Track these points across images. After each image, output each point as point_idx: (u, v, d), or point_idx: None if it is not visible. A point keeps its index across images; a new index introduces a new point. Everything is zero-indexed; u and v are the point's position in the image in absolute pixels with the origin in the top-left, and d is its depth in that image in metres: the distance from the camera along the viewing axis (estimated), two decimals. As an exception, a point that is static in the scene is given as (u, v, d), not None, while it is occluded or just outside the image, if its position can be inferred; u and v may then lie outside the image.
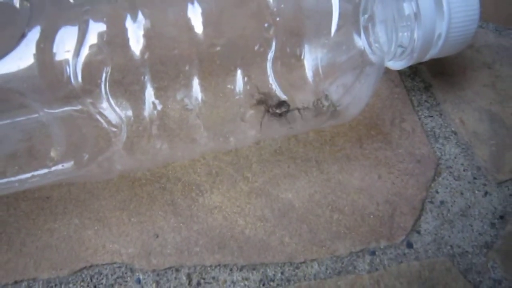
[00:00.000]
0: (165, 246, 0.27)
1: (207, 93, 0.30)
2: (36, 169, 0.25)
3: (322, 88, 0.31)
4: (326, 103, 0.30)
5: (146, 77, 0.29)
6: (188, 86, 0.30)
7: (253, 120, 0.29)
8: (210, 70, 0.30)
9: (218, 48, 0.28)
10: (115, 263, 0.26)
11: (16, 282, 0.26)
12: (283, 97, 0.31)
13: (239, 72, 0.30)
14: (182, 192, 0.29)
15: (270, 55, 0.31)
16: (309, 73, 0.32)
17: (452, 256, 0.27)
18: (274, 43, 0.31)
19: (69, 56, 0.22)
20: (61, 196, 0.28)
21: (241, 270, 0.26)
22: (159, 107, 0.29)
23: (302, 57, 0.31)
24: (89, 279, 0.26)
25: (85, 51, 0.22)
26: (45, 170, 0.25)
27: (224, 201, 0.28)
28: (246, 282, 0.26)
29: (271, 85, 0.31)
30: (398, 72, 0.35)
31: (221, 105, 0.31)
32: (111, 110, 0.28)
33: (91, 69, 0.23)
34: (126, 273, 0.26)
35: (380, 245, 0.27)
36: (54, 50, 0.21)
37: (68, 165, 0.25)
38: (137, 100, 0.29)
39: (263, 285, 0.26)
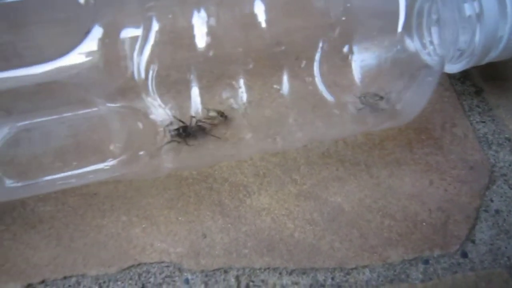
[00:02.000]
0: (213, 246, 0.26)
1: (252, 93, 0.30)
2: (94, 164, 0.24)
3: (370, 89, 0.30)
4: (383, 105, 0.29)
5: (192, 76, 0.29)
6: (234, 85, 0.30)
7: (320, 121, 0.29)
8: (256, 70, 0.30)
9: (283, 48, 0.28)
10: (163, 262, 0.26)
11: (65, 278, 0.26)
12: (330, 97, 0.31)
13: (285, 72, 0.30)
14: (230, 192, 0.28)
15: (318, 56, 0.30)
16: (356, 74, 0.31)
17: (509, 268, 0.26)
18: (320, 44, 0.30)
19: (133, 52, 0.22)
20: (108, 192, 0.28)
21: (290, 274, 0.26)
22: (204, 106, 0.29)
23: (350, 58, 0.31)
24: (137, 277, 0.26)
25: (148, 48, 0.22)
26: (102, 165, 0.24)
27: (272, 203, 0.28)
28: (296, 287, 0.25)
29: (316, 86, 0.30)
30: (447, 75, 0.34)
31: (267, 105, 0.30)
32: (159, 108, 0.28)
33: (153, 66, 0.23)
34: (174, 272, 0.26)
35: (434, 253, 0.26)
36: (118, 46, 0.21)
37: (124, 161, 0.25)
38: (183, 98, 0.29)
39: (313, 290, 0.25)
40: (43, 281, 0.26)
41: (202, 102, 0.29)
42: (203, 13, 0.24)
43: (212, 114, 0.28)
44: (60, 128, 0.29)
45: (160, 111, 0.28)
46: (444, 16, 0.27)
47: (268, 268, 0.26)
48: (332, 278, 0.25)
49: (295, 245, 0.26)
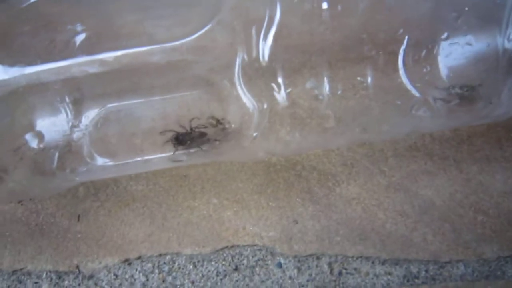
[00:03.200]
0: (305, 233, 0.26)
1: (336, 84, 0.30)
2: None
3: (457, 84, 0.30)
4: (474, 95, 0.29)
5: (277, 65, 0.29)
6: (318, 76, 0.30)
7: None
8: (340, 62, 0.30)
9: (368, 40, 0.28)
10: (256, 245, 0.26)
11: (160, 255, 0.26)
12: (414, 91, 0.30)
13: (369, 65, 0.30)
14: (318, 180, 0.28)
15: (402, 49, 0.30)
16: (443, 69, 0.31)
17: None
18: (406, 38, 0.30)
19: (259, 35, 0.22)
20: (197, 175, 0.29)
21: (383, 264, 0.26)
22: (289, 96, 0.29)
23: (436, 53, 0.31)
24: (230, 258, 0.26)
25: (272, 32, 0.22)
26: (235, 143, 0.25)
27: (362, 193, 0.28)
28: (389, 277, 0.25)
29: (401, 79, 0.30)
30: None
31: (350, 96, 0.30)
32: (245, 96, 0.28)
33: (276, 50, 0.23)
34: (266, 256, 0.26)
35: (530, 252, 0.26)
36: (245, 29, 0.22)
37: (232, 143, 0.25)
38: (268, 87, 0.29)
39: (407, 281, 0.25)
40: (139, 257, 0.26)
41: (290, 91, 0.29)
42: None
43: (211, 121, 0.27)
44: (149, 110, 0.29)
45: (246, 99, 0.28)
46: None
47: (361, 256, 0.26)
48: (426, 271, 0.25)
49: (388, 236, 0.26)
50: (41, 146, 0.29)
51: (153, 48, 0.23)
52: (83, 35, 0.28)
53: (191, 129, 0.26)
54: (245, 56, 0.23)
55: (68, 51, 0.27)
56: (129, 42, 0.23)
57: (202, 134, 0.27)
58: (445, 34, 0.27)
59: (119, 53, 0.27)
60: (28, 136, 0.29)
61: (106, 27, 0.28)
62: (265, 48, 0.23)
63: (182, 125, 0.27)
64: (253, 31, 0.22)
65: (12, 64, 0.23)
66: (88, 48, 0.27)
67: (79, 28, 0.24)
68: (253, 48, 0.22)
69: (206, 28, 0.21)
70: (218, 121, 0.27)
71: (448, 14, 0.27)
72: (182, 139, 0.26)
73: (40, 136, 0.29)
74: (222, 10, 0.21)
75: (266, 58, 0.23)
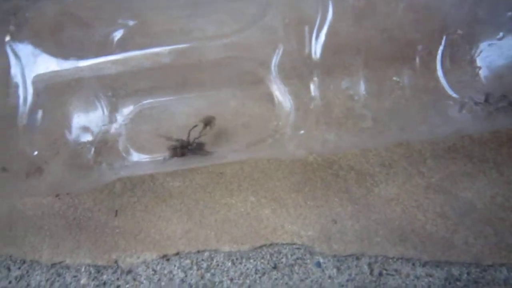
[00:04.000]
0: (344, 232, 0.26)
1: (371, 84, 0.30)
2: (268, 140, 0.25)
3: (496, 88, 0.30)
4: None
5: (313, 64, 0.29)
6: (353, 76, 0.30)
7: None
8: (375, 62, 0.29)
9: (405, 40, 0.27)
10: (294, 244, 0.26)
11: (198, 252, 0.26)
12: (453, 94, 0.30)
13: (405, 65, 0.30)
14: (356, 180, 0.28)
15: (441, 50, 0.30)
16: (482, 72, 0.30)
17: None
18: (444, 38, 0.30)
19: (311, 33, 0.22)
20: (234, 172, 0.29)
21: (424, 265, 0.25)
22: (325, 95, 0.29)
23: (475, 55, 0.30)
24: (269, 256, 0.26)
25: (325, 30, 0.22)
26: (271, 142, 0.25)
27: (400, 193, 0.27)
28: (430, 279, 0.25)
29: (438, 80, 0.30)
30: None
31: (386, 97, 0.30)
32: (282, 94, 0.28)
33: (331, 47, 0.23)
34: (305, 255, 0.26)
35: None
36: (298, 27, 0.22)
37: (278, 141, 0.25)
38: (303, 85, 0.29)
39: (449, 283, 0.25)
40: (177, 253, 0.26)
41: (325, 91, 0.29)
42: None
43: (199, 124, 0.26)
44: (184, 107, 0.29)
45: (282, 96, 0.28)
46: None
47: (401, 258, 0.25)
48: (468, 273, 0.25)
49: (428, 237, 0.26)
50: (78, 140, 0.29)
51: (195, 45, 0.23)
52: (125, 30, 0.28)
53: (191, 141, 0.25)
54: (292, 53, 0.23)
55: (106, 47, 0.28)
56: (167, 39, 0.23)
57: (200, 145, 0.26)
58: (500, 34, 0.27)
59: (157, 49, 0.27)
60: (65, 131, 0.29)
61: (144, 23, 0.29)
62: (317, 46, 0.22)
63: (179, 138, 0.25)
64: (306, 29, 0.22)
65: (59, 56, 0.23)
66: (126, 44, 0.28)
67: (129, 22, 0.24)
68: (306, 46, 0.22)
69: (259, 24, 0.21)
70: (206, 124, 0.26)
71: (503, 13, 0.27)
72: (181, 152, 0.25)
73: (76, 130, 0.29)
74: (273, 7, 0.21)
75: (318, 55, 0.23)
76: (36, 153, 0.23)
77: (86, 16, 0.27)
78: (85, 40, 0.27)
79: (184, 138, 0.25)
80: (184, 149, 0.25)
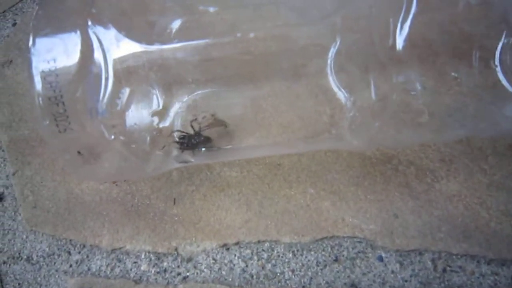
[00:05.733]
0: (406, 227, 0.26)
1: (428, 79, 0.29)
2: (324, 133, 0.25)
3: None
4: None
5: (370, 57, 0.29)
6: (408, 70, 0.29)
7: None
8: (431, 56, 0.29)
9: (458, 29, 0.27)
10: (356, 237, 0.26)
11: (259, 242, 0.26)
12: (512, 91, 0.29)
13: (463, 60, 0.29)
14: (416, 176, 0.28)
15: (500, 46, 0.29)
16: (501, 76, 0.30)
17: None
18: (504, 34, 0.29)
19: (396, 25, 0.22)
20: (292, 164, 0.29)
21: (489, 263, 0.25)
22: (379, 89, 0.29)
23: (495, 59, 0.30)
24: (330, 249, 0.26)
25: (408, 22, 0.22)
26: (327, 135, 0.25)
27: (462, 190, 0.27)
28: (496, 277, 0.25)
29: (497, 77, 0.29)
30: None
31: (444, 92, 0.30)
32: (337, 87, 0.28)
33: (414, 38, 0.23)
34: (366, 248, 0.26)
35: None
36: (383, 17, 0.21)
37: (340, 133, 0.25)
38: (360, 78, 0.29)
39: (516, 283, 0.24)
40: (237, 243, 0.26)
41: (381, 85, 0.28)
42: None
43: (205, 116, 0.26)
44: (240, 98, 0.29)
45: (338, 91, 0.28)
46: None
47: (466, 254, 0.25)
48: (535, 273, 0.25)
49: (493, 235, 0.26)
50: (134, 128, 0.29)
51: (249, 37, 0.23)
52: (183, 20, 0.28)
53: (198, 131, 0.25)
54: (349, 46, 0.22)
55: (165, 36, 0.28)
56: (223, 31, 0.23)
57: (208, 140, 0.26)
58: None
59: (212, 41, 0.27)
60: (125, 118, 0.29)
61: (201, 14, 0.29)
62: (401, 37, 0.22)
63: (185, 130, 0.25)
64: (391, 20, 0.22)
65: (143, 41, 0.23)
66: (183, 34, 0.28)
67: (186, 13, 0.24)
68: (390, 37, 0.22)
69: (343, 12, 0.21)
70: (217, 121, 0.26)
71: None
72: (187, 144, 0.25)
73: (133, 119, 0.29)
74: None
75: (401, 47, 0.22)
76: (112, 137, 0.23)
77: (154, 3, 0.27)
78: (150, 28, 0.27)
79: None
80: (192, 140, 0.25)
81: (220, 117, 0.27)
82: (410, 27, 0.23)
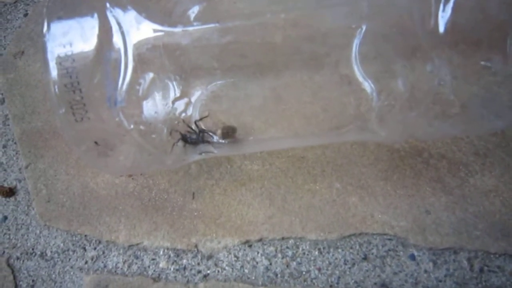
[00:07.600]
0: (440, 224, 0.24)
1: (457, 69, 0.28)
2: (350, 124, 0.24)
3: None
4: None
5: (396, 46, 0.27)
6: (437, 60, 0.28)
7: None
8: (460, 45, 0.27)
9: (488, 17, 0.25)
10: (386, 234, 0.24)
11: (283, 239, 0.25)
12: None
13: (494, 49, 0.27)
14: (449, 170, 0.26)
15: None
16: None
17: None
18: None
19: (438, 8, 0.20)
20: (316, 157, 0.27)
21: (529, 263, 0.23)
22: (406, 79, 0.27)
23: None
24: (358, 246, 0.24)
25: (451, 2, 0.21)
26: (352, 126, 0.24)
27: (499, 185, 0.25)
28: (537, 278, 0.23)
29: None
30: None
31: (474, 82, 0.28)
32: (362, 77, 0.27)
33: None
34: (397, 246, 0.24)
35: None
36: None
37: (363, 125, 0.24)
38: (386, 68, 0.27)
39: (559, 284, 0.23)
40: (260, 239, 0.25)
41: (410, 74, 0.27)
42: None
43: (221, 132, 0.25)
44: (260, 89, 0.28)
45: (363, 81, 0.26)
46: None
47: (505, 254, 0.24)
48: None
49: (533, 233, 0.24)
50: (154, 117, 0.28)
51: (270, 25, 0.22)
52: (201, 7, 0.27)
53: (199, 131, 0.24)
54: (374, 35, 0.21)
55: (186, 18, 0.26)
56: (242, 19, 0.22)
57: (207, 142, 0.25)
58: None
59: (235, 23, 0.26)
60: (142, 108, 0.28)
61: (219, 1, 0.27)
62: (441, 21, 0.21)
63: (187, 128, 0.25)
64: (432, 1, 0.20)
65: (165, 24, 0.22)
66: (205, 17, 0.26)
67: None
68: (432, 18, 0.21)
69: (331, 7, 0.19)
70: (227, 131, 0.25)
71: None
72: (190, 141, 0.25)
73: (150, 110, 0.28)
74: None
75: (442, 29, 0.21)
76: (132, 127, 0.22)
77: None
78: (169, 11, 0.26)
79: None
80: (193, 138, 0.25)
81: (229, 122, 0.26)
82: (452, 9, 0.21)
